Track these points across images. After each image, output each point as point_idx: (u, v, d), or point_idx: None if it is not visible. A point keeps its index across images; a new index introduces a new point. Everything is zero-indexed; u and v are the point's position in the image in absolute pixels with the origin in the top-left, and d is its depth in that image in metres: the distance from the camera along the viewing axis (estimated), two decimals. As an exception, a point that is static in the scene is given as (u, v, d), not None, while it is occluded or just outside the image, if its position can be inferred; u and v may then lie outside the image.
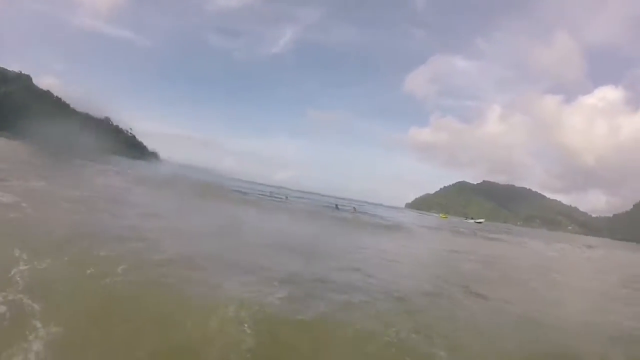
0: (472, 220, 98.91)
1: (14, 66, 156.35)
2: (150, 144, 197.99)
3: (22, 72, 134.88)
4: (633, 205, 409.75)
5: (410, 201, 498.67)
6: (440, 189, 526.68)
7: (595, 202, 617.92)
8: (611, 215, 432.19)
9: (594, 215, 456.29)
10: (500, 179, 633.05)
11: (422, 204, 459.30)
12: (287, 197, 32.83)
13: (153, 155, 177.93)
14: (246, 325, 4.72)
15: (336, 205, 35.71)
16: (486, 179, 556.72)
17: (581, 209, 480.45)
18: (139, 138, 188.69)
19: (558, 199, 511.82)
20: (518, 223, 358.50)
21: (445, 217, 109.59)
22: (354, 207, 36.08)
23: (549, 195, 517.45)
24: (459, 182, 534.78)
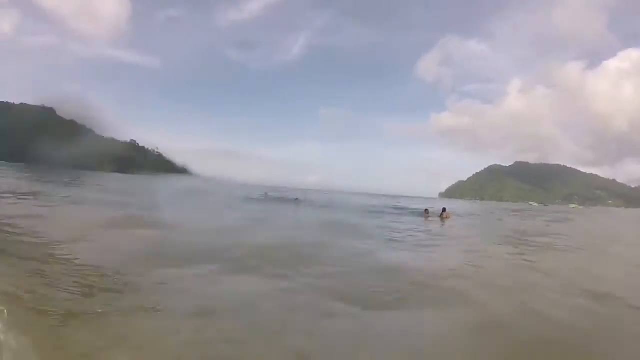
0: (536, 204, 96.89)
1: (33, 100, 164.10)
2: (179, 160, 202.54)
3: (45, 106, 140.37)
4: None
5: (443, 191, 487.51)
6: (473, 175, 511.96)
7: (633, 172, 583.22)
8: None
9: (633, 186, 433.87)
10: (532, 157, 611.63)
11: (456, 192, 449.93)
12: (266, 194, 32.13)
13: (182, 171, 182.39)
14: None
15: (296, 198, 32.89)
16: (517, 159, 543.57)
17: (619, 180, 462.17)
18: (167, 156, 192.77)
19: (594, 173, 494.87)
20: (557, 202, 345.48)
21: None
22: (296, 198, 32.67)
23: (584, 169, 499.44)
24: (490, 165, 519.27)
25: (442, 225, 17.47)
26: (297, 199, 31.77)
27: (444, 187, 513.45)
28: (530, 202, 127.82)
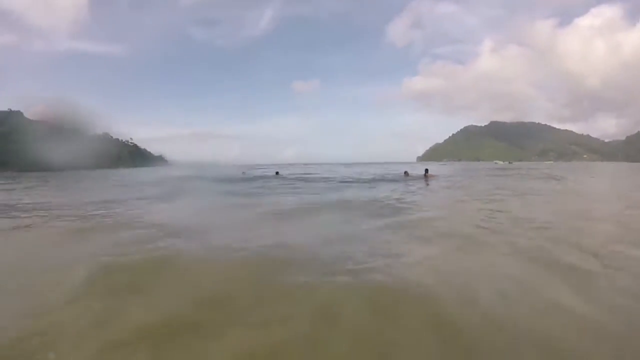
0: (501, 162, 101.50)
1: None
2: (154, 148, 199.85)
3: (12, 110, 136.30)
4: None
5: (420, 154, 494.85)
6: (449, 137, 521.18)
7: (606, 127, 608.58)
8: (624, 137, 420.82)
9: (606, 141, 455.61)
10: (507, 116, 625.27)
11: (433, 154, 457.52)
12: (243, 173, 33.15)
13: (159, 160, 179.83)
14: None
15: (243, 172, 34.77)
16: (492, 119, 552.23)
17: (593, 135, 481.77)
18: (142, 145, 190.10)
19: (569, 129, 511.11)
20: (533, 158, 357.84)
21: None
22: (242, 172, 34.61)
23: (559, 126, 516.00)
24: (466, 127, 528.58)
25: (427, 185, 17.89)
26: (277, 172, 32.99)
27: (421, 151, 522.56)
28: (495, 161, 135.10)
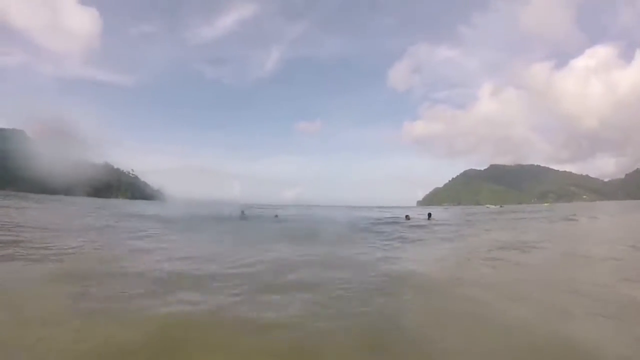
0: (492, 206, 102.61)
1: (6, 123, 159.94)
2: (154, 181, 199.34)
3: (15, 129, 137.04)
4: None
5: (420, 199, 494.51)
6: (449, 181, 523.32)
7: (604, 166, 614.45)
8: (623, 176, 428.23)
9: (606, 180, 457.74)
10: (507, 159, 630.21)
11: (433, 199, 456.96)
12: (242, 213, 31.28)
13: (158, 194, 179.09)
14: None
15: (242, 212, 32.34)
16: (492, 162, 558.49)
17: (592, 175, 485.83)
18: (142, 178, 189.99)
19: (568, 170, 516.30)
20: (532, 200, 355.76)
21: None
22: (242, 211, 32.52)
23: (558, 167, 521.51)
24: (466, 171, 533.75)
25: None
26: (276, 215, 31.30)
27: (421, 195, 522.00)
28: (487, 205, 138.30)
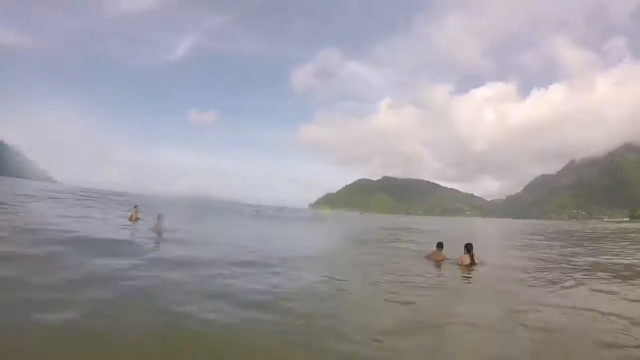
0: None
1: None
2: (43, 162, 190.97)
3: None
4: (523, 188, 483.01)
5: (313, 202, 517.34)
6: (343, 187, 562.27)
7: (489, 187, 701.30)
8: (504, 197, 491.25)
9: (489, 200, 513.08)
10: (398, 172, 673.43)
11: (326, 203, 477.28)
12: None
13: (44, 176, 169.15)
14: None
15: None
16: (385, 174, 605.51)
17: (476, 194, 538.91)
18: (30, 157, 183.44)
19: (455, 188, 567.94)
20: (419, 212, 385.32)
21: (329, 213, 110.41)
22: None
23: (446, 184, 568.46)
24: (360, 179, 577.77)
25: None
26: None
27: (314, 198, 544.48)
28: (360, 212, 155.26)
